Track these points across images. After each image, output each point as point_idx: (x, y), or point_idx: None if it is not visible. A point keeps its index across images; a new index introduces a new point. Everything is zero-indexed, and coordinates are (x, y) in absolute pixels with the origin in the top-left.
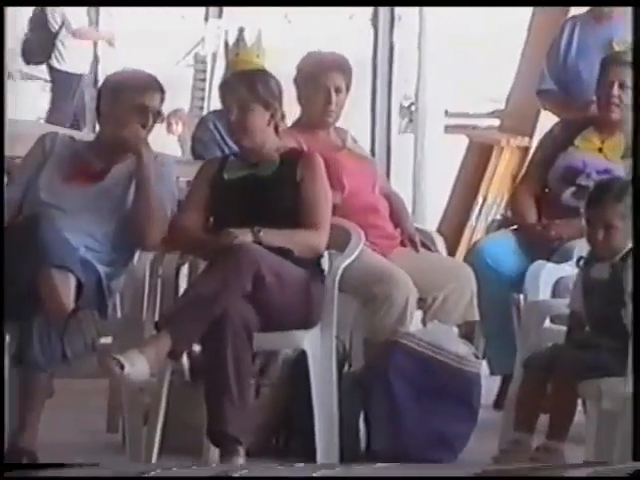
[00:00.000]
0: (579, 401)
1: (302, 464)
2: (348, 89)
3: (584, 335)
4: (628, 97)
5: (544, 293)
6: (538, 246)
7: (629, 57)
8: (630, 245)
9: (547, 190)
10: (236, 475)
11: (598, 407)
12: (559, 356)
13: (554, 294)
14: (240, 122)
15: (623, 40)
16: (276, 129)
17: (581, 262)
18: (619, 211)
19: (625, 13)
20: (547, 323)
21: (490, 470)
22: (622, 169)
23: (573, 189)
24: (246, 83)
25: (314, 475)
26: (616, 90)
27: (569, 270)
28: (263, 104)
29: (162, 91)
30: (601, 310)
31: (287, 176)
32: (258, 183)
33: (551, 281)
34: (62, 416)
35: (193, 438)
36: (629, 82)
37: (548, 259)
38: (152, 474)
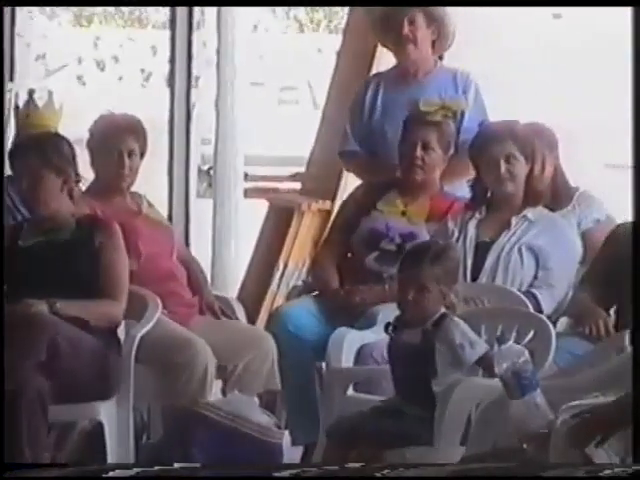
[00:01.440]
0: None
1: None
2: (143, 152)
3: (390, 403)
4: (432, 158)
5: (347, 360)
6: (341, 312)
7: (436, 117)
8: (442, 310)
9: (350, 255)
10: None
11: None
12: (363, 424)
13: (357, 361)
14: (31, 190)
15: (430, 100)
16: (70, 194)
17: (390, 328)
18: (433, 274)
19: (435, 72)
20: (350, 391)
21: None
22: (425, 232)
23: (376, 254)
24: (36, 148)
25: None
26: (419, 151)
27: (373, 336)
28: (55, 170)
29: None
30: (410, 376)
31: (84, 242)
32: (54, 249)
33: (354, 348)
34: None
35: None
36: (434, 144)
37: (351, 325)
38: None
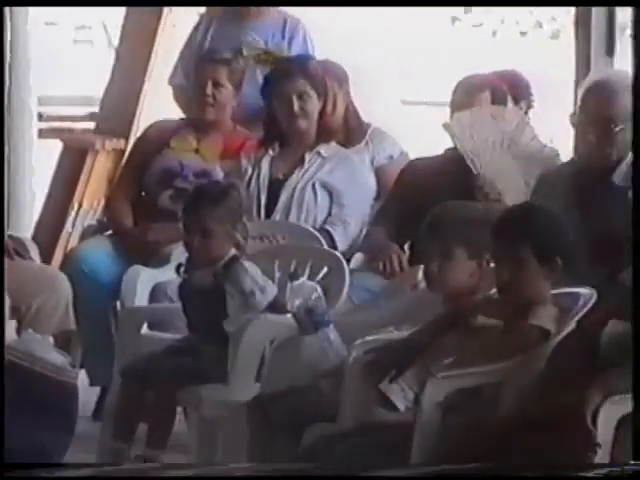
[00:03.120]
0: (180, 409)
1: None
2: None
3: (184, 341)
4: (223, 96)
5: (141, 299)
6: (135, 251)
7: (225, 55)
8: (233, 252)
9: (143, 193)
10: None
11: (198, 414)
12: (157, 363)
13: (151, 300)
14: None
15: (253, 44)
16: None
17: (181, 269)
18: (216, 216)
19: (268, 15)
20: (145, 330)
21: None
22: (219, 170)
23: (170, 192)
24: None
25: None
26: (209, 89)
27: (167, 275)
28: None
29: None
30: (202, 316)
31: None
32: None
33: (148, 287)
34: None
35: None
36: (224, 81)
37: (145, 264)
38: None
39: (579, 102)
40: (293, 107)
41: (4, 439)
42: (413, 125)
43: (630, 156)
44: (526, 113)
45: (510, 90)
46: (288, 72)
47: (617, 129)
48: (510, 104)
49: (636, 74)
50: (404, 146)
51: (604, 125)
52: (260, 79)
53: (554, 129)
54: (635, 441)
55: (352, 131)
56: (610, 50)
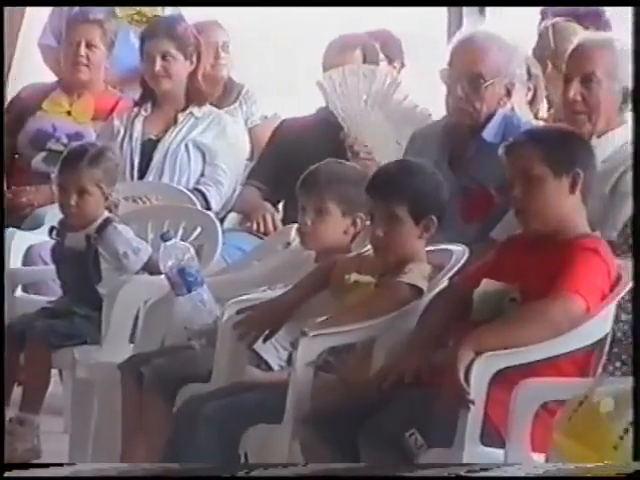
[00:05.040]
0: (54, 371)
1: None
2: None
3: (58, 303)
4: (96, 56)
5: (15, 261)
6: (8, 213)
7: (98, 16)
8: (106, 215)
9: (17, 156)
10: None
11: (73, 376)
12: (31, 326)
13: (26, 262)
14: None
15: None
16: None
17: (54, 232)
18: (93, 177)
19: None
20: (19, 292)
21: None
22: (92, 132)
23: (44, 154)
24: None
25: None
26: (83, 50)
27: (40, 237)
28: None
29: None
30: (76, 279)
31: None
32: None
33: (22, 249)
34: None
35: None
36: (97, 42)
37: (19, 226)
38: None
39: (449, 58)
40: (155, 67)
41: (4, 439)
42: (288, 85)
43: (500, 112)
44: (399, 72)
45: (382, 49)
46: (154, 32)
47: (486, 84)
48: (382, 63)
49: (636, 74)
50: (279, 106)
51: (473, 80)
52: (133, 40)
53: (427, 88)
54: (635, 441)
55: (226, 92)
56: (482, 8)
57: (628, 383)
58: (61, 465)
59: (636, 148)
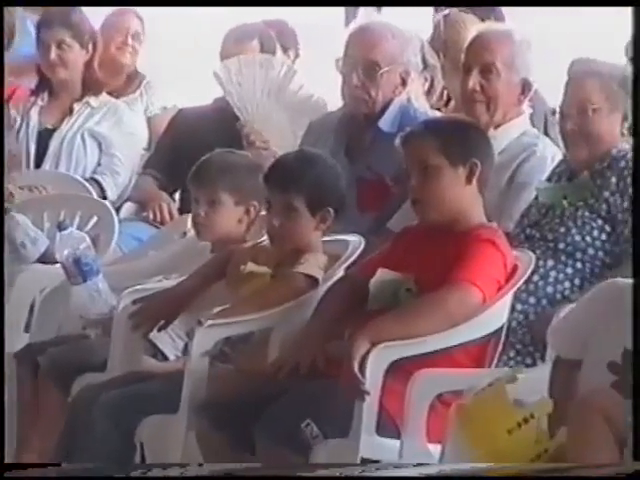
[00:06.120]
0: None
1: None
2: None
3: None
4: None
5: None
6: None
7: None
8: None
9: None
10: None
11: None
12: None
13: None
14: None
15: None
16: None
17: None
18: None
19: None
20: None
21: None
22: None
23: None
24: None
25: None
26: None
27: None
28: None
29: None
30: None
31: None
32: None
33: None
34: None
35: None
36: None
37: None
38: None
39: (344, 47)
40: (50, 55)
41: (4, 439)
42: (188, 76)
43: (396, 102)
44: (294, 62)
45: (279, 38)
46: (50, 21)
47: (381, 71)
48: (279, 52)
49: (636, 74)
50: (179, 98)
51: (368, 68)
52: (30, 29)
53: (323, 78)
54: (635, 441)
55: (129, 81)
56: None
57: (539, 372)
58: (61, 465)
59: (636, 148)
